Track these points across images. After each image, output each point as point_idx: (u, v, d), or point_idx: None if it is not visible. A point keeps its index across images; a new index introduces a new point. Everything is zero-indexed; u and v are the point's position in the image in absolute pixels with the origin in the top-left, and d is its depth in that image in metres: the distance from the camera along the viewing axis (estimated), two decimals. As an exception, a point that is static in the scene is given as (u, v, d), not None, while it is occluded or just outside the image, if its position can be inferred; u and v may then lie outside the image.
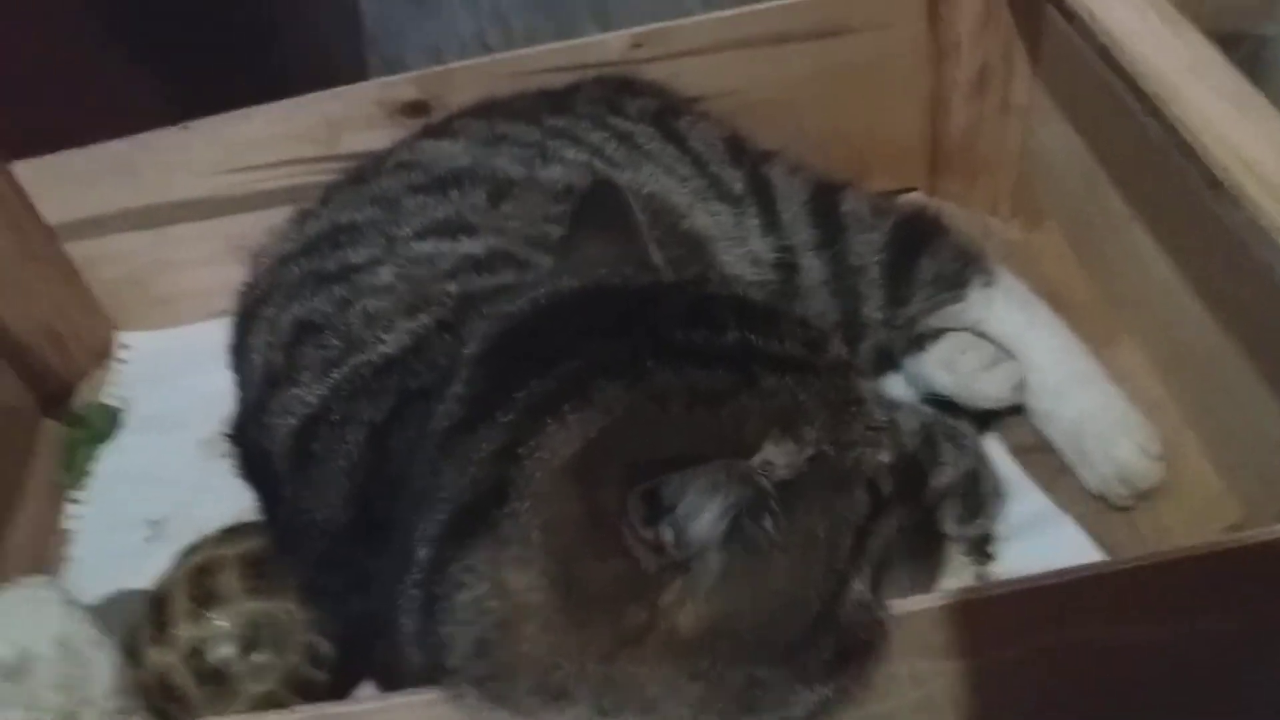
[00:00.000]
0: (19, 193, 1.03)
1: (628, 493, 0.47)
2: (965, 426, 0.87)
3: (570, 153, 0.87)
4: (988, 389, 0.90)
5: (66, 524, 0.99)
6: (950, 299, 0.90)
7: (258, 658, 0.75)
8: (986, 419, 0.92)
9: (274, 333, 0.75)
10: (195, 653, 0.75)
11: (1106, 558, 0.81)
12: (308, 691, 0.76)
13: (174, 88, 1.15)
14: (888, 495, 0.55)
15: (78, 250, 1.08)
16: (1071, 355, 0.90)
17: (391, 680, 0.69)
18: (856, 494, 0.53)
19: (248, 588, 0.76)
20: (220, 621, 0.75)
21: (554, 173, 0.84)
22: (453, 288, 0.69)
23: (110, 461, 1.03)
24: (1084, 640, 0.62)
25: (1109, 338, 0.93)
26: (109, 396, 1.09)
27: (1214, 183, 0.68)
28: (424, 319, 0.67)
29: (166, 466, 0.99)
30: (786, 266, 0.88)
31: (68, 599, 0.82)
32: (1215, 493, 0.83)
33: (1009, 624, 0.61)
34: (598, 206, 0.63)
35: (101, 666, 0.78)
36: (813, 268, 0.89)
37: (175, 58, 1.14)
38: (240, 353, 0.81)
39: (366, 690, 0.78)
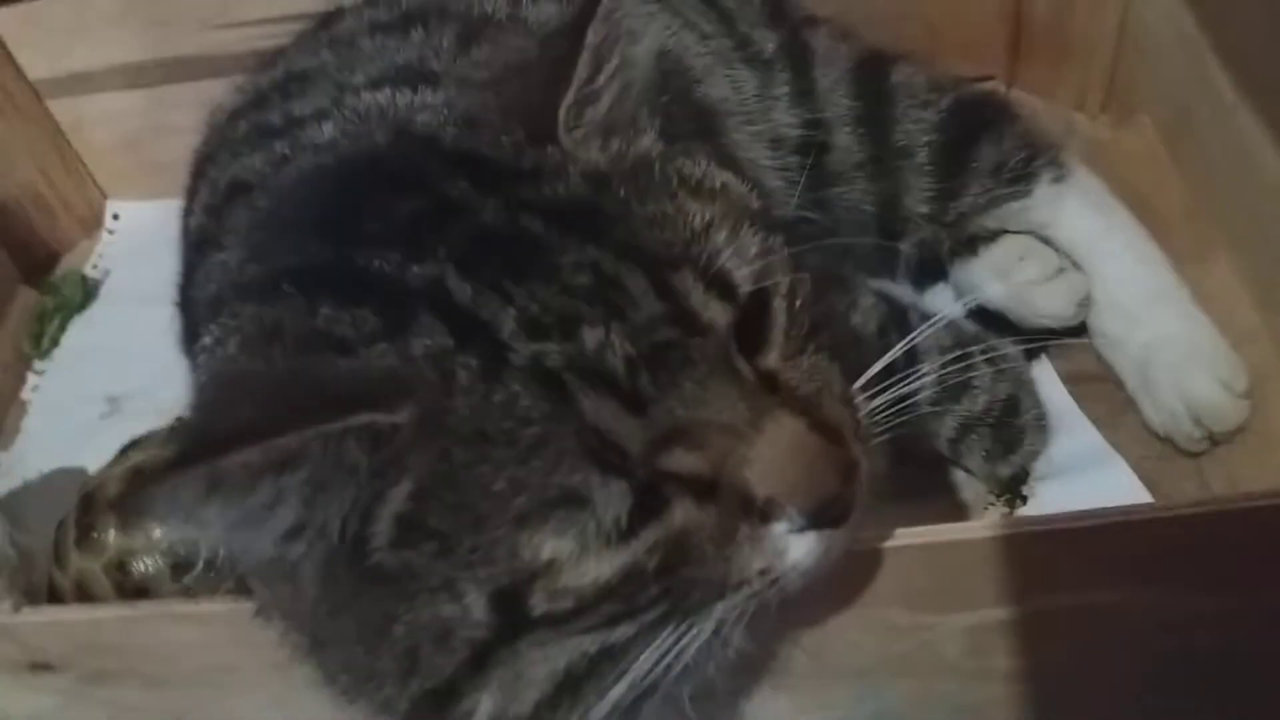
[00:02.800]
0: (-2, 43, 0.97)
1: None
2: (1009, 347, 0.73)
3: None
4: (1046, 303, 0.76)
5: (26, 395, 0.94)
6: (1012, 194, 0.77)
7: (188, 581, 0.67)
8: (1043, 340, 0.78)
9: (213, 195, 0.66)
10: (120, 565, 0.68)
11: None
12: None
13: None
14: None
15: (64, 110, 1.01)
16: (1150, 270, 0.76)
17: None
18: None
19: None
20: (154, 534, 0.68)
21: (545, 11, 0.70)
22: None
23: (79, 334, 0.97)
24: (1102, 610, 0.52)
25: (1201, 253, 0.79)
26: (92, 268, 1.03)
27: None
28: None
29: (135, 342, 0.91)
30: (815, 147, 0.76)
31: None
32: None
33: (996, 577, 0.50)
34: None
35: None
36: (848, 146, 0.76)
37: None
38: (185, 219, 0.72)
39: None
